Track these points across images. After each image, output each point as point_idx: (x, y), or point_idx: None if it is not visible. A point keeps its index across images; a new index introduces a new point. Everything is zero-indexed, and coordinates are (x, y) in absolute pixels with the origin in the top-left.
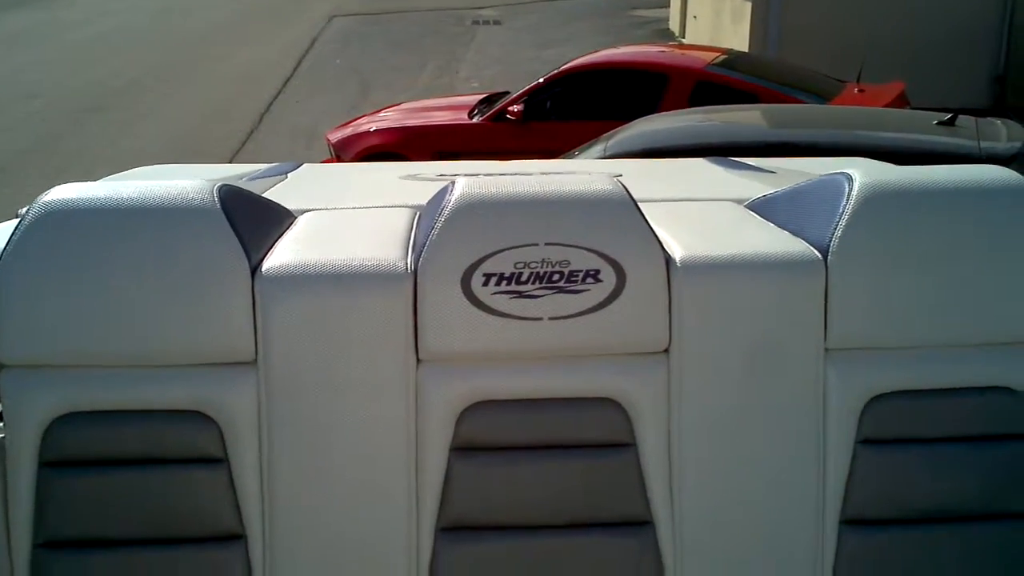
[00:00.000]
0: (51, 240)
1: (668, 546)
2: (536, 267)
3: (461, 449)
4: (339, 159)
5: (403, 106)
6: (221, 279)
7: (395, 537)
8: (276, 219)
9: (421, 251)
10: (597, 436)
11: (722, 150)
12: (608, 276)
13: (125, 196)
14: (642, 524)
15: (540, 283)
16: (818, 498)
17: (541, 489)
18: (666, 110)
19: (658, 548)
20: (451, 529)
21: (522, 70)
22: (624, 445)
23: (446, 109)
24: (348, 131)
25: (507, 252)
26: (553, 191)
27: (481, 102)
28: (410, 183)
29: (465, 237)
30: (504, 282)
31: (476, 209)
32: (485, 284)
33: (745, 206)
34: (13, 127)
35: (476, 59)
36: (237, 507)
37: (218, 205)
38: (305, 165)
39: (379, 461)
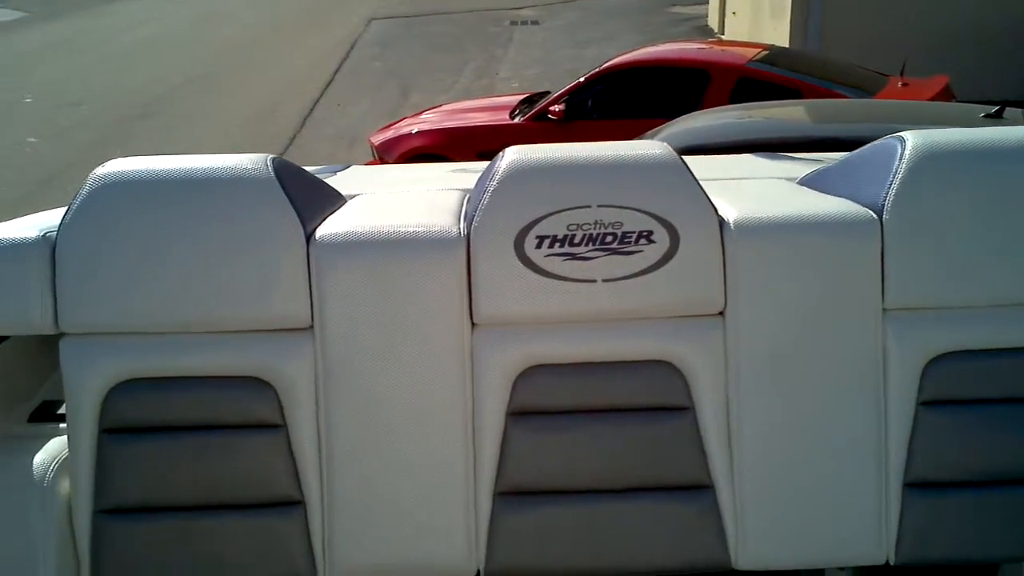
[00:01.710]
0: (109, 209)
1: (728, 510)
2: (589, 229)
3: (517, 413)
4: (382, 161)
5: (444, 108)
6: (277, 246)
7: (453, 502)
8: (328, 195)
9: (473, 216)
10: (653, 399)
11: (766, 146)
12: (661, 238)
13: (181, 167)
14: (701, 488)
15: (593, 245)
16: (880, 461)
17: (598, 453)
18: (708, 107)
19: (718, 511)
20: (508, 494)
21: (562, 69)
22: (681, 408)
23: (487, 110)
24: (390, 133)
25: (560, 214)
26: (606, 155)
27: (522, 102)
28: (458, 175)
29: (518, 200)
30: (557, 244)
31: (529, 173)
32: (538, 246)
33: (797, 183)
34: (60, 135)
35: (515, 59)
36: (295, 473)
37: (272, 175)
38: (353, 166)
39: (435, 426)
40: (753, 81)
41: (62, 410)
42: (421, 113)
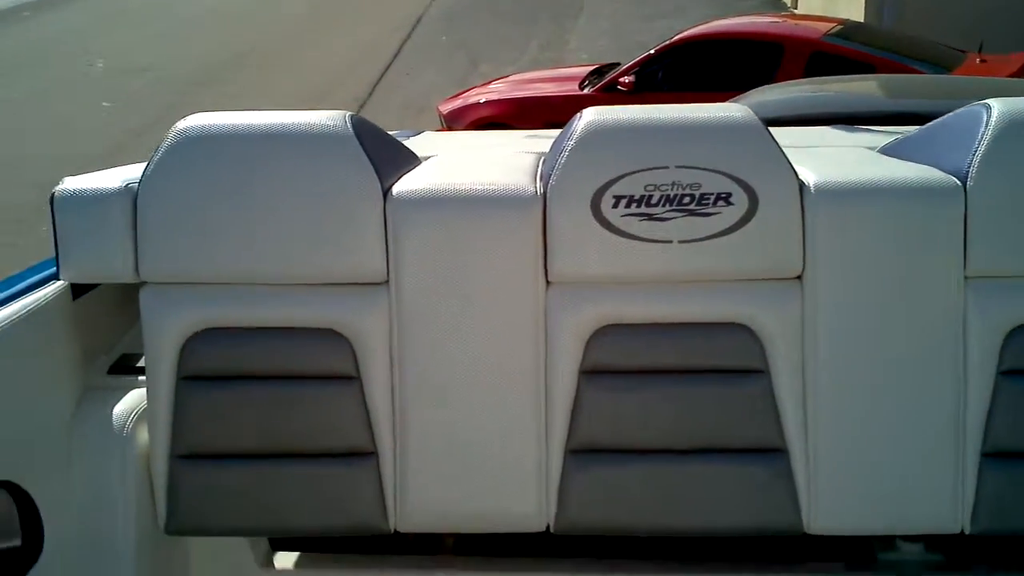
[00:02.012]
0: (191, 161)
1: (802, 475)
2: (666, 190)
3: (590, 372)
4: (450, 130)
5: (513, 78)
6: (354, 201)
7: (525, 458)
8: (404, 155)
9: (550, 175)
10: (728, 362)
11: (841, 120)
12: (740, 200)
13: (261, 122)
14: (774, 451)
15: (670, 205)
16: (958, 429)
17: (671, 414)
18: (781, 81)
19: (791, 476)
20: (580, 451)
21: (631, 41)
22: (756, 371)
23: (556, 80)
24: (459, 102)
25: (638, 174)
26: (685, 115)
27: (592, 73)
28: (531, 140)
29: (595, 160)
30: (634, 204)
31: (607, 132)
32: (615, 206)
33: (877, 151)
34: (127, 103)
35: (584, 31)
36: (368, 424)
37: (351, 131)
38: (426, 132)
39: (508, 382)
40: (827, 56)
41: (141, 363)
42: (489, 83)
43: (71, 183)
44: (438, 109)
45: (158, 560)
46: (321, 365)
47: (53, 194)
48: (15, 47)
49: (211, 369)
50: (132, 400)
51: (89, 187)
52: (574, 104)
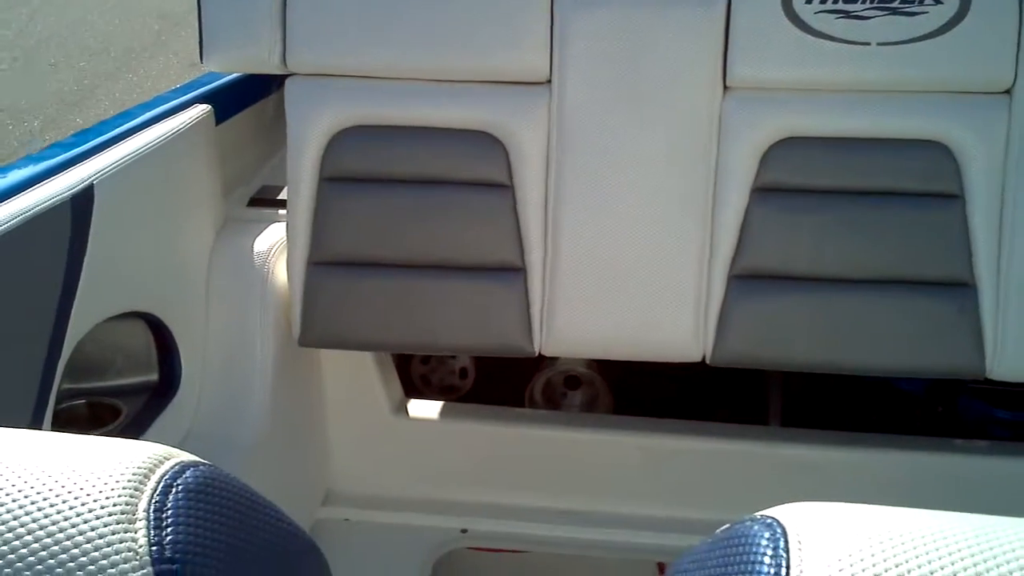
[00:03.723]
0: None
1: (989, 313)
2: None
3: (764, 190)
4: None
5: None
6: None
7: (684, 279)
8: None
9: None
10: (920, 184)
11: None
12: None
13: None
14: (962, 286)
15: (871, 2)
16: None
17: (849, 239)
18: None
19: (978, 314)
20: (745, 277)
21: None
22: (950, 196)
23: None
24: None
25: None
26: None
27: None
28: None
29: None
30: (831, 0)
31: None
32: (809, 1)
33: None
34: None
35: None
36: (518, 236)
37: None
38: None
39: (673, 196)
40: None
41: (281, 195)
42: None
43: None
44: None
45: (294, 377)
46: (472, 170)
47: None
48: None
49: (355, 170)
50: (272, 233)
51: None
52: None
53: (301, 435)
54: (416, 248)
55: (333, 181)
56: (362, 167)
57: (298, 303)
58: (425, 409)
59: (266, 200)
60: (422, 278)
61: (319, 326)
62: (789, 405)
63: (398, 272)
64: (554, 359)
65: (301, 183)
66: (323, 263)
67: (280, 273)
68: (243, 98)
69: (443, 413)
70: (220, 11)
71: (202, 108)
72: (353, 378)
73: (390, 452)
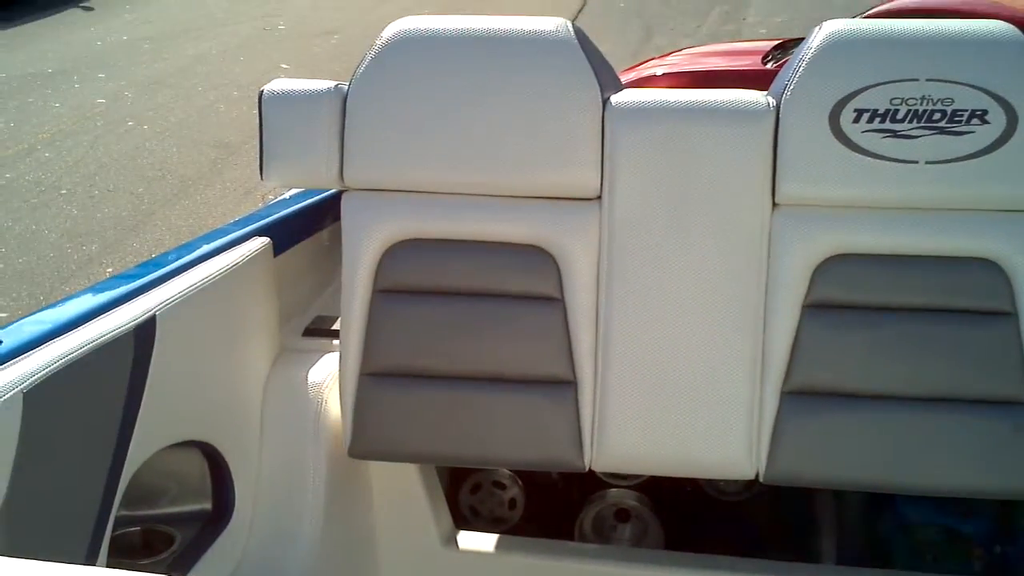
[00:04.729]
0: (399, 67)
1: None
2: (915, 104)
3: (816, 306)
4: None
5: (691, 51)
6: (574, 108)
7: (736, 396)
8: (615, 75)
9: (784, 87)
10: (972, 302)
11: None
12: (997, 117)
13: (479, 26)
14: (1017, 404)
15: (918, 122)
16: None
17: (903, 357)
18: None
19: None
20: (798, 393)
21: (809, 18)
22: (1004, 314)
23: (738, 55)
24: (634, 75)
25: (882, 87)
26: (936, 26)
27: (776, 48)
28: None
29: (836, 70)
30: (878, 119)
31: (850, 41)
32: (856, 120)
33: None
34: (312, 63)
35: (763, 5)
36: (569, 351)
37: (574, 37)
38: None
39: (724, 311)
40: None
41: (335, 325)
42: (667, 56)
43: (280, 84)
44: None
45: (344, 507)
46: (523, 284)
47: (262, 92)
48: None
49: (408, 283)
50: (326, 363)
51: (299, 87)
52: (759, 79)
53: (351, 565)
54: (467, 360)
55: (387, 293)
56: (415, 279)
57: (349, 413)
58: (475, 541)
59: (321, 330)
60: (472, 390)
61: (370, 436)
62: (843, 542)
63: (449, 384)
64: (604, 492)
65: (355, 295)
66: (375, 374)
67: (333, 397)
68: (301, 230)
69: (494, 546)
70: (281, 127)
71: (261, 241)
72: (403, 507)
73: None
